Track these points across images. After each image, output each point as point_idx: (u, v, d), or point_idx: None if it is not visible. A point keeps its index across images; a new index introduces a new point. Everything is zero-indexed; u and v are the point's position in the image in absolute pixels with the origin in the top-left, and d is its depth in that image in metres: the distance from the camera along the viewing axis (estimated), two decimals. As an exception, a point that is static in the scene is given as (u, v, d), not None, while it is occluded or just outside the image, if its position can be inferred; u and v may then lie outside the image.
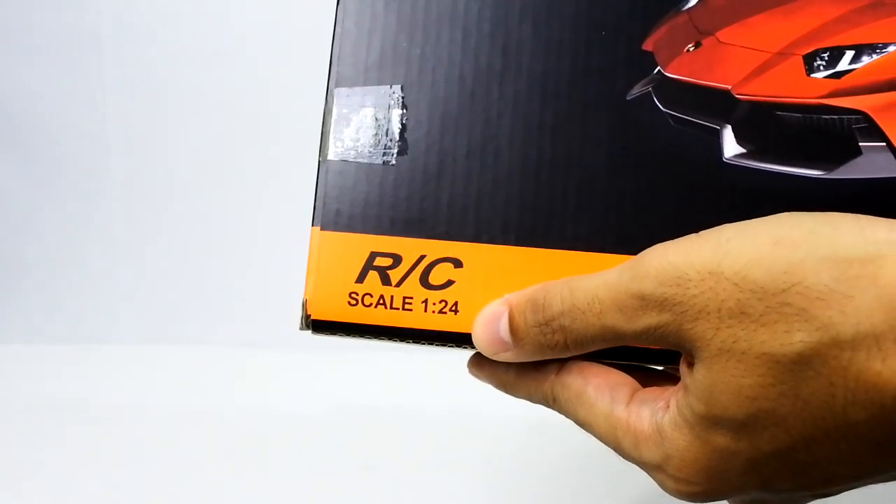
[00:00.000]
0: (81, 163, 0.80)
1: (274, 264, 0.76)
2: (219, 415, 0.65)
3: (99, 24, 0.77)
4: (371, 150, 0.32)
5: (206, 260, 0.80)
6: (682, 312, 0.27)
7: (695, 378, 0.27)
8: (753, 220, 0.27)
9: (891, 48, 0.32)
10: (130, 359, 0.77)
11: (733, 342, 0.26)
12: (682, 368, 0.29)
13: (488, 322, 0.31)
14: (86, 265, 0.81)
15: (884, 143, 0.32)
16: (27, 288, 0.82)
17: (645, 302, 0.27)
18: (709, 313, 0.26)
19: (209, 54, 0.78)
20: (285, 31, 0.76)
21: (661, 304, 0.27)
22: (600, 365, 0.31)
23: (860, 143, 0.32)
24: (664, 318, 0.27)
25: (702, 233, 0.28)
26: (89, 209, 0.80)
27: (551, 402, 0.32)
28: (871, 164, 0.31)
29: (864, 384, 0.25)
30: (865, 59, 0.32)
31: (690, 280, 0.27)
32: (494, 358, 0.31)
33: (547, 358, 0.30)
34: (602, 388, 0.30)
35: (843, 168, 0.32)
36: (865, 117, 0.32)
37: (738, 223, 0.27)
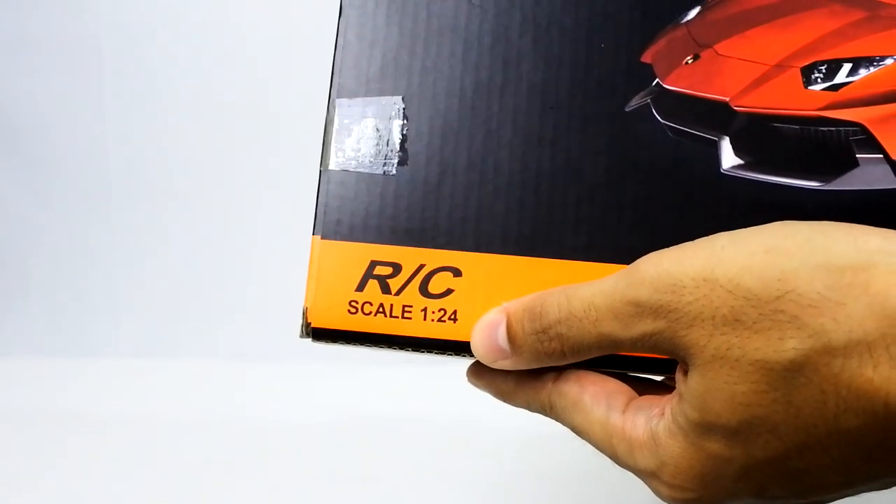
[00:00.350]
0: (82, 174, 0.79)
1: (274, 276, 0.76)
2: (219, 427, 0.65)
3: (99, 32, 0.78)
4: (372, 160, 0.33)
5: (207, 272, 0.79)
6: (676, 319, 0.27)
7: (689, 385, 0.27)
8: (748, 229, 0.28)
9: (888, 61, 0.32)
10: (131, 371, 0.77)
11: (727, 349, 0.26)
12: (678, 376, 0.29)
13: (486, 330, 0.31)
14: (86, 278, 0.80)
15: (881, 155, 0.32)
16: (27, 301, 0.82)
17: (640, 309, 0.28)
18: (703, 320, 0.27)
19: (210, 61, 0.77)
20: (288, 38, 0.76)
21: (656, 310, 0.27)
22: (597, 374, 0.31)
23: (857, 155, 0.32)
24: (659, 325, 0.27)
25: (696, 241, 0.28)
26: (89, 221, 0.80)
27: (548, 411, 0.32)
28: (868, 175, 0.32)
29: (855, 391, 0.25)
30: (863, 72, 0.32)
31: (685, 287, 0.27)
32: (493, 366, 0.31)
33: (544, 366, 0.31)
34: (598, 396, 0.30)
35: (840, 179, 0.32)
36: (863, 129, 0.32)
37: (733, 231, 0.28)
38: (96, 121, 0.79)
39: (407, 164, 0.32)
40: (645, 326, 0.28)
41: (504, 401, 0.33)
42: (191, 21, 0.77)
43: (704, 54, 0.33)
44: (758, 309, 0.26)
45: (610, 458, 0.30)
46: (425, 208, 0.32)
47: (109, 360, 0.78)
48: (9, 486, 0.57)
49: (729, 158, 0.32)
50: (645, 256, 0.28)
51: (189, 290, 0.80)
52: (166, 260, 0.80)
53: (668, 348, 0.28)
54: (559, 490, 0.55)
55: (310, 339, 0.32)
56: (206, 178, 0.79)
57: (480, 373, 0.33)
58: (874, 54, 0.32)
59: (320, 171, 0.33)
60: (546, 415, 0.32)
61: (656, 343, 0.28)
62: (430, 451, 0.59)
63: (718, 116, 0.32)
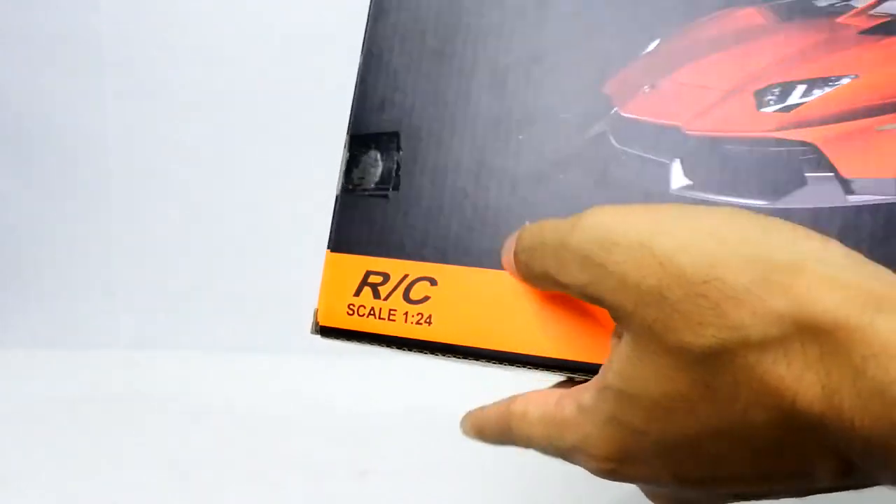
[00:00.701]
0: (81, 166, 0.79)
1: (271, 270, 0.75)
2: (215, 420, 0.66)
3: (100, 30, 0.77)
4: (373, 185, 0.39)
5: (205, 265, 0.79)
6: (602, 276, 0.28)
7: (620, 351, 0.28)
8: (702, 208, 0.28)
9: (843, 80, 0.33)
10: (128, 363, 0.77)
11: (652, 321, 0.27)
12: (612, 338, 0.30)
13: (508, 243, 0.35)
14: (85, 270, 0.80)
15: (832, 174, 0.32)
16: (26, 292, 0.82)
17: (571, 255, 0.28)
18: (628, 286, 0.27)
19: (209, 58, 0.77)
20: (290, 35, 0.75)
21: (582, 260, 0.28)
22: (543, 390, 0.34)
23: (806, 174, 0.33)
24: (584, 276, 0.28)
25: (651, 205, 0.29)
26: (89, 213, 0.80)
27: (510, 435, 0.34)
28: (816, 193, 0.32)
29: (766, 386, 0.25)
30: (817, 93, 0.33)
31: (618, 245, 0.27)
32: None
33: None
34: (538, 402, 0.33)
35: (787, 198, 0.33)
36: (813, 149, 0.33)
37: (688, 206, 0.29)
38: (96, 113, 0.79)
39: (399, 189, 0.38)
40: (574, 275, 0.28)
41: (484, 440, 0.37)
42: (194, 20, 0.77)
43: (661, 83, 0.35)
44: (683, 289, 0.26)
45: (553, 454, 0.33)
46: (412, 226, 0.38)
47: (107, 353, 0.78)
48: (7, 475, 0.58)
49: (678, 179, 0.34)
50: (596, 206, 0.29)
51: (187, 284, 0.79)
52: (165, 254, 0.80)
53: (601, 304, 0.28)
54: (557, 482, 0.55)
55: (319, 336, 0.39)
56: (204, 171, 0.78)
57: (466, 416, 0.37)
58: (829, 75, 0.33)
59: (336, 195, 0.40)
60: (513, 442, 0.35)
61: (589, 295, 0.29)
62: (428, 443, 0.60)
63: (671, 140, 0.35)
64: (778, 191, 0.33)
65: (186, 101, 0.79)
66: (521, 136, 0.37)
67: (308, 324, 0.39)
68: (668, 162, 0.35)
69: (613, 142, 0.35)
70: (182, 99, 0.79)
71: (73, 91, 0.79)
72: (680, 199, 0.34)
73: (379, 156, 0.39)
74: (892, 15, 0.33)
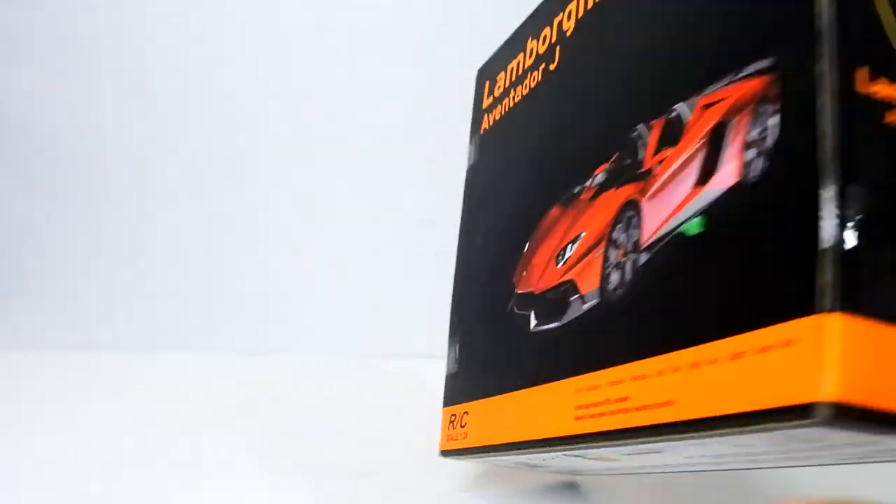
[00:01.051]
0: (81, 167, 0.78)
1: (272, 270, 0.74)
2: (215, 420, 0.65)
3: (98, 32, 0.76)
4: (453, 367, 0.66)
5: (205, 265, 0.77)
6: None
7: None
8: None
9: (581, 235, 0.51)
10: (128, 364, 0.76)
11: None
12: None
13: None
14: (85, 270, 0.79)
15: (578, 294, 0.50)
16: (26, 293, 0.81)
17: None
18: None
19: (208, 59, 0.77)
20: (289, 36, 0.74)
21: None
22: None
23: (569, 300, 0.51)
24: None
25: None
26: (89, 213, 0.79)
27: None
28: (572, 310, 0.50)
29: None
30: (573, 247, 0.52)
31: None
32: None
33: None
34: None
35: (563, 317, 0.51)
36: (572, 282, 0.51)
37: None
38: (95, 114, 0.78)
39: (459, 369, 0.65)
40: None
41: None
42: (192, 21, 0.77)
43: (528, 268, 0.57)
44: None
45: None
46: (462, 385, 0.64)
47: (106, 356, 0.76)
48: (6, 480, 0.56)
49: (533, 322, 0.55)
50: None
51: (186, 287, 0.77)
52: (163, 257, 0.78)
53: None
54: (557, 484, 0.55)
55: (443, 457, 0.66)
56: (201, 172, 0.77)
57: None
58: (576, 234, 0.52)
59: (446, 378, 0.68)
60: None
61: None
62: (430, 444, 0.61)
63: (530, 300, 0.56)
64: (559, 314, 0.52)
65: (186, 101, 0.78)
66: (481, 326, 0.61)
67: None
68: (529, 314, 0.56)
69: (515, 309, 0.58)
70: (181, 100, 0.78)
71: (73, 93, 0.78)
72: (535, 333, 0.55)
73: (450, 350, 0.67)
74: (598, 184, 0.51)
